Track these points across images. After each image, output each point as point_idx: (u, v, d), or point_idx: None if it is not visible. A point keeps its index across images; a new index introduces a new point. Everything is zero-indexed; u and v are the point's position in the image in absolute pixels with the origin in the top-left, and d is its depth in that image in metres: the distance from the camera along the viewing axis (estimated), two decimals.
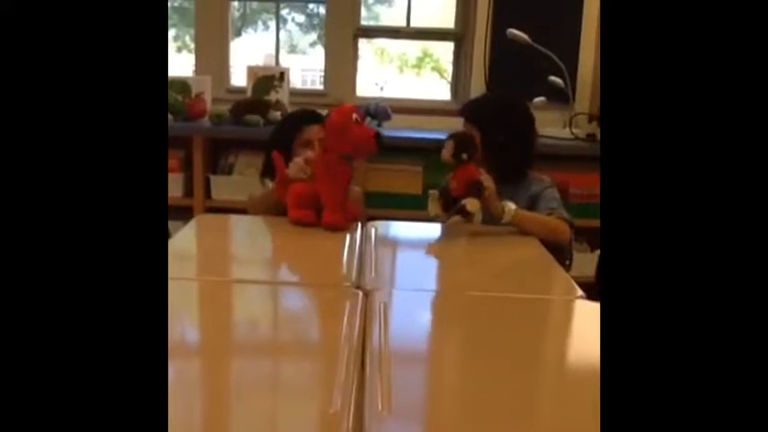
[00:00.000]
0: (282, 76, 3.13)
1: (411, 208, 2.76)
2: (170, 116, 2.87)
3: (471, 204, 1.82)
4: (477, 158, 1.89)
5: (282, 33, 3.71)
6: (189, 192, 2.94)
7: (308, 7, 3.95)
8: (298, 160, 1.89)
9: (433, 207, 1.89)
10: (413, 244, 1.93)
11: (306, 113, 2.23)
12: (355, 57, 3.48)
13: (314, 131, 2.09)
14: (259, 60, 4.00)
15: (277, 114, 2.90)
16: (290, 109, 2.99)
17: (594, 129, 3.02)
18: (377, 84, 3.97)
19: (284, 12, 3.74)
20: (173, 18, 3.84)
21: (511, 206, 1.86)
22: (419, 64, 4.39)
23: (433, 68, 4.21)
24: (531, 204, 2.05)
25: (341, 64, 3.44)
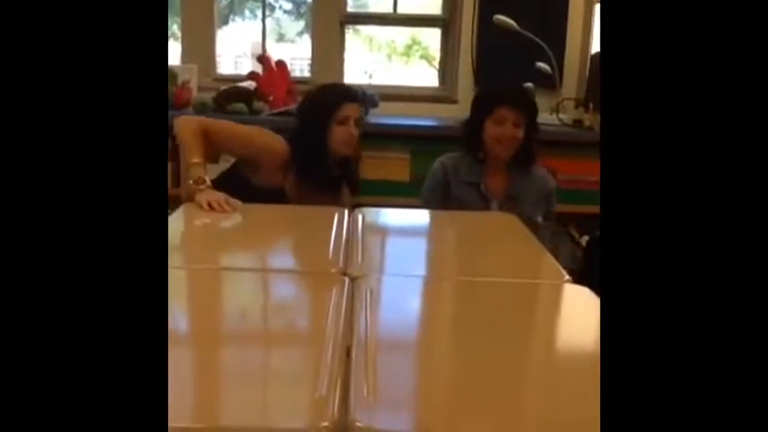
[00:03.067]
0: None
1: (399, 195, 2.76)
2: None
3: None
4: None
5: (270, 22, 3.69)
6: (176, 181, 2.92)
7: None
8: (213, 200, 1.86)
9: None
10: (400, 230, 1.94)
11: (343, 89, 2.17)
12: (342, 44, 3.47)
13: (352, 109, 2.05)
14: (246, 49, 3.97)
15: (260, 104, 2.89)
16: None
17: (581, 115, 3.03)
18: (365, 72, 3.95)
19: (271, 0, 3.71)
20: None
21: None
22: (407, 52, 4.37)
23: (422, 56, 4.19)
24: (545, 202, 2.11)
25: (328, 51, 3.42)
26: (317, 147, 2.04)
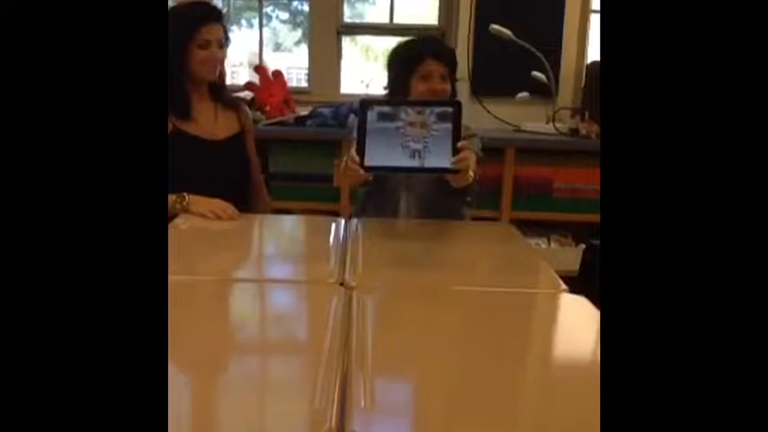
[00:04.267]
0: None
1: None
2: None
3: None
4: None
5: (267, 32, 3.70)
6: None
7: (291, 5, 3.94)
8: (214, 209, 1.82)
9: None
10: (397, 240, 1.93)
11: (202, 8, 1.90)
12: (339, 53, 3.48)
13: (214, 31, 1.85)
14: (243, 59, 3.99)
15: (257, 114, 2.89)
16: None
17: (577, 123, 3.04)
18: (362, 81, 3.97)
19: (268, 9, 3.73)
20: None
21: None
22: None
23: None
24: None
25: (325, 61, 3.44)
26: (173, 73, 1.82)
